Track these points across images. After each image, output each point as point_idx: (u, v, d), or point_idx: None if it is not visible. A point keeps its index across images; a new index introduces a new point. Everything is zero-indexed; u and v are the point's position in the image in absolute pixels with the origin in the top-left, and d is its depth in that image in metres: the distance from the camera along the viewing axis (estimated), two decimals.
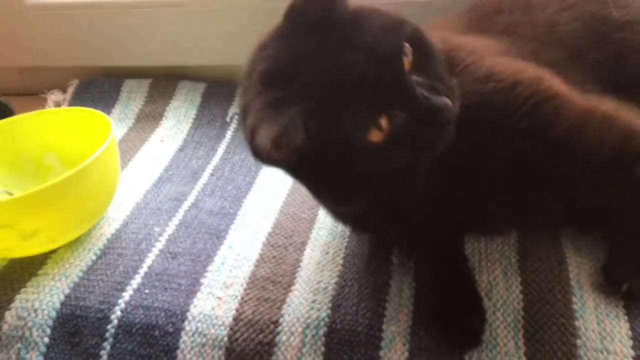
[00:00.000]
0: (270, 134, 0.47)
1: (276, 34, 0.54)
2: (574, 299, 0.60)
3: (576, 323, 0.58)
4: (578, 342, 0.56)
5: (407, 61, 0.51)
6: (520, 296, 0.60)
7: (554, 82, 0.60)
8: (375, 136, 0.50)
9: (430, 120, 0.51)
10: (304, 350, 0.58)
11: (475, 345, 0.56)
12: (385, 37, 0.51)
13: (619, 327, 0.58)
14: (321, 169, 0.52)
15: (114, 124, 0.73)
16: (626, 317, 0.58)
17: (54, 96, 1.05)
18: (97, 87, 1.04)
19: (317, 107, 0.49)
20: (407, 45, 0.51)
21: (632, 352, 0.56)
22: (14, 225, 0.62)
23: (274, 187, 0.81)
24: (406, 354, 0.57)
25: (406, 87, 0.50)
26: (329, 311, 0.61)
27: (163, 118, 0.98)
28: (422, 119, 0.50)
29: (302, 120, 0.48)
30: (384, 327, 0.59)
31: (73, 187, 0.65)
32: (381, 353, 0.58)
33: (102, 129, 0.74)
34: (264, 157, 0.48)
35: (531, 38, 0.67)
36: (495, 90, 0.57)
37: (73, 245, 0.71)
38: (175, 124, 0.97)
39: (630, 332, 0.57)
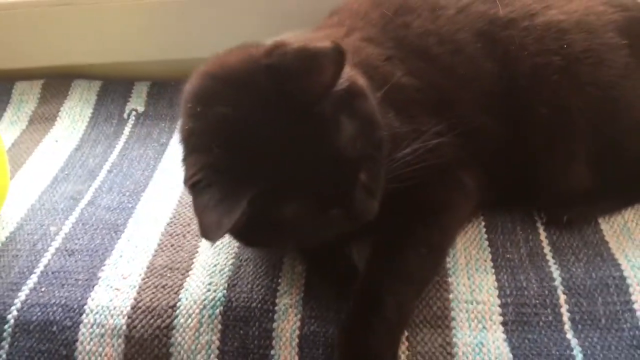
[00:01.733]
0: (216, 221, 0.48)
1: (251, 76, 0.53)
2: (447, 259, 0.66)
3: (449, 279, 0.64)
4: (450, 296, 0.63)
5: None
6: None
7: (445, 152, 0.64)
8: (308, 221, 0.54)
9: (357, 217, 0.55)
10: (201, 330, 0.61)
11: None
12: (356, 143, 0.53)
13: (487, 279, 0.64)
14: (250, 232, 0.55)
15: None
16: (493, 270, 0.65)
17: None
18: None
19: (266, 194, 0.50)
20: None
21: (498, 301, 0.63)
22: None
23: (174, 179, 0.83)
24: (298, 323, 0.61)
25: (353, 195, 0.54)
26: (224, 291, 0.64)
27: (57, 118, 0.97)
28: (353, 217, 0.55)
29: (246, 206, 0.49)
30: (277, 300, 0.63)
31: None
32: (274, 325, 0.61)
33: None
34: (209, 237, 0.51)
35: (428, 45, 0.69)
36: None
37: None
38: (71, 124, 0.96)
39: (496, 283, 0.64)
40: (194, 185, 0.51)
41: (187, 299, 0.63)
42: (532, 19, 0.68)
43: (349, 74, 0.55)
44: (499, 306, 0.62)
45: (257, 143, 0.51)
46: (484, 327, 0.61)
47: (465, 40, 0.68)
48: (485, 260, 0.66)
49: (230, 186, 0.50)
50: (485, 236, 0.69)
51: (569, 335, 0.60)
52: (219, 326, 0.61)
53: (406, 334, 0.60)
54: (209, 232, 0.49)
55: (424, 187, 0.60)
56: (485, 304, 0.62)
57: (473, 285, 0.64)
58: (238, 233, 0.58)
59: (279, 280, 0.65)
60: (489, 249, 0.68)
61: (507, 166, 0.67)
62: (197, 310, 0.62)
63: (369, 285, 0.59)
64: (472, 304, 0.62)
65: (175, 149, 0.90)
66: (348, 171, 0.53)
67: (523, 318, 0.61)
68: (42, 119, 0.98)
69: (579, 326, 0.60)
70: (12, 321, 0.62)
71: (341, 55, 0.50)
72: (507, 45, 0.67)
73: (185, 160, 0.56)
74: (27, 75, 1.04)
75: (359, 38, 0.67)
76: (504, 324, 0.61)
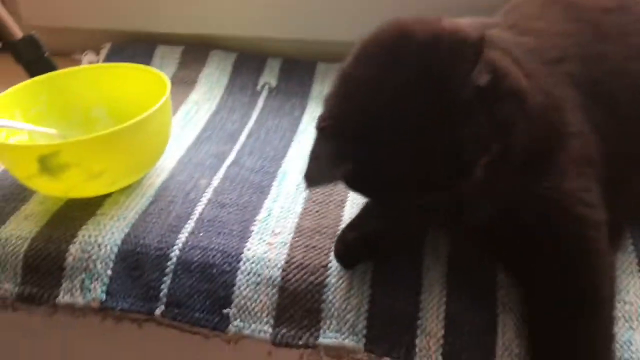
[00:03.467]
0: (316, 173, 0.54)
1: (414, 73, 0.51)
2: None
3: None
4: None
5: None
6: None
7: (604, 234, 0.58)
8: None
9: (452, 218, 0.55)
10: (351, 292, 0.64)
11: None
12: (481, 142, 0.51)
13: (634, 281, 0.65)
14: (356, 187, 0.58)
15: (168, 81, 0.77)
16: (639, 274, 0.66)
17: (88, 57, 1.08)
18: (130, 51, 1.08)
19: (373, 163, 0.52)
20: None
21: None
22: (83, 164, 0.66)
23: (309, 150, 0.86)
24: (444, 299, 0.63)
25: (450, 188, 0.52)
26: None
27: (196, 84, 1.03)
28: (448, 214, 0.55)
29: (350, 168, 0.52)
30: (423, 274, 0.65)
31: (136, 133, 0.69)
32: (422, 297, 0.63)
33: (152, 85, 0.78)
34: (306, 183, 0.55)
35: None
36: (550, 207, 0.57)
37: (126, 191, 0.75)
38: (209, 90, 1.01)
39: None
40: (319, 129, 0.55)
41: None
42: None
43: (504, 68, 0.53)
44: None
45: (388, 113, 0.52)
46: (630, 327, 0.61)
47: None
48: (631, 264, 0.67)
49: (346, 144, 0.52)
50: (631, 240, 0.69)
51: None
52: (369, 291, 0.64)
53: None
54: (307, 179, 0.54)
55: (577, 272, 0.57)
56: (632, 305, 0.63)
57: (620, 285, 0.64)
58: (345, 183, 0.59)
59: (423, 258, 0.67)
60: (635, 253, 0.68)
61: None
62: (349, 273, 0.65)
63: None
64: (619, 303, 0.63)
65: (307, 124, 0.94)
66: (460, 168, 0.51)
67: None
68: (182, 83, 1.03)
69: None
70: (174, 259, 0.67)
71: (481, 42, 0.49)
72: None
73: (325, 101, 0.59)
74: (166, 40, 1.10)
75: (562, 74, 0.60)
76: None
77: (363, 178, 0.55)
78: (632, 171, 0.62)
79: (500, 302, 0.63)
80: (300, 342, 0.62)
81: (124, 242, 0.68)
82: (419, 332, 0.61)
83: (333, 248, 0.66)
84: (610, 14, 0.64)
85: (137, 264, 0.66)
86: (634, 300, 0.63)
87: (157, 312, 0.64)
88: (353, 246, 0.65)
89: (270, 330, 0.63)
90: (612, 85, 0.60)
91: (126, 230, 0.69)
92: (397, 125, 0.51)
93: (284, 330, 0.63)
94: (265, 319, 0.63)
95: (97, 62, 1.07)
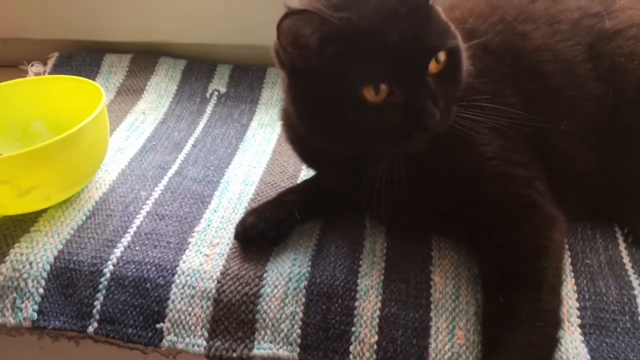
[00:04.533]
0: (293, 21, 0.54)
1: None
2: None
3: None
4: None
5: (434, 65, 0.57)
6: None
7: (538, 187, 0.64)
8: (368, 94, 0.55)
9: (414, 119, 0.56)
10: (286, 300, 0.64)
11: None
12: (435, 34, 0.57)
13: (566, 283, 0.65)
14: (313, 92, 0.58)
15: (104, 92, 0.76)
16: (572, 274, 0.66)
17: (35, 68, 1.06)
18: (78, 60, 1.07)
19: (347, 33, 0.54)
20: (443, 53, 0.57)
21: (577, 304, 0.64)
22: (11, 181, 0.65)
23: (255, 158, 0.86)
24: (379, 304, 0.63)
25: (418, 80, 0.56)
26: (309, 268, 0.66)
27: (144, 92, 1.02)
28: (410, 113, 0.56)
29: (325, 33, 0.54)
30: (358, 281, 0.65)
31: (68, 147, 0.68)
32: (356, 303, 0.63)
33: (90, 97, 0.77)
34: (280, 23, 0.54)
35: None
36: (481, 168, 0.63)
37: (63, 206, 0.74)
38: (157, 98, 1.01)
39: (575, 287, 0.65)
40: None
41: (273, 271, 0.66)
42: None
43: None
44: (577, 309, 0.63)
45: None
46: (561, 328, 0.62)
47: (576, 58, 0.66)
48: (565, 264, 0.67)
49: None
50: (566, 240, 0.70)
51: None
52: (303, 299, 0.64)
53: (468, 325, 0.62)
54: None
55: (518, 227, 0.62)
56: (564, 306, 0.63)
57: None
58: (301, 88, 0.59)
59: (360, 262, 0.67)
60: (569, 253, 0.69)
61: (597, 188, 0.68)
62: (283, 282, 0.65)
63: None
64: None
65: (255, 131, 0.94)
66: (421, 52, 0.55)
67: (601, 322, 0.62)
68: (130, 91, 1.02)
69: None
70: (108, 275, 0.66)
71: None
72: (614, 58, 0.66)
73: None
74: (115, 48, 1.09)
75: (479, 46, 0.65)
76: (581, 326, 0.62)
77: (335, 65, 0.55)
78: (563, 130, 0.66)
79: (434, 305, 0.63)
80: (235, 355, 0.62)
81: (56, 259, 0.67)
82: (352, 339, 0.62)
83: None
84: (537, 3, 0.71)
85: (69, 281, 0.66)
86: (565, 301, 0.63)
87: (90, 329, 0.64)
88: (251, 230, 0.68)
89: (204, 343, 0.63)
90: (538, 59, 0.67)
91: (60, 247, 0.68)
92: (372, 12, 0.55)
93: (218, 343, 0.63)
94: (199, 332, 0.63)
95: (44, 72, 1.06)
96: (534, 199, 0.64)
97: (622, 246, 0.70)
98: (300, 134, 0.66)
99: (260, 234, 0.68)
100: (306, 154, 0.72)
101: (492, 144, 0.63)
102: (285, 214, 0.70)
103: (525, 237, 0.62)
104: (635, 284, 0.65)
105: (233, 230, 0.71)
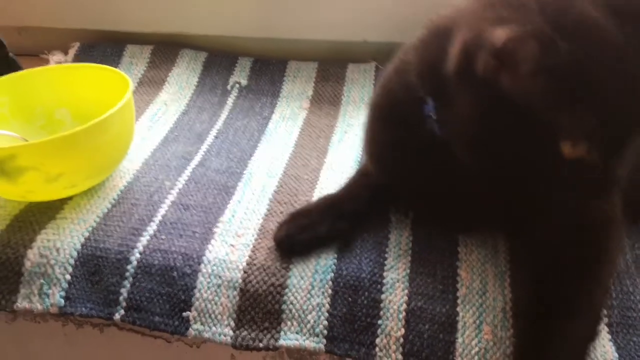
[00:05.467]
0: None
1: None
2: None
3: None
4: None
5: None
6: None
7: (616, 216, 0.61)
8: (565, 147, 0.49)
9: (592, 186, 0.51)
10: (312, 292, 0.64)
11: None
12: None
13: None
14: (504, 115, 0.50)
15: (130, 82, 0.76)
16: None
17: (56, 57, 1.06)
18: (99, 51, 1.07)
19: (568, 69, 0.45)
20: None
21: None
22: (40, 167, 0.65)
23: (277, 151, 0.86)
24: (405, 298, 0.63)
25: (622, 150, 0.49)
26: (335, 260, 0.66)
27: (165, 83, 1.02)
28: (589, 178, 0.50)
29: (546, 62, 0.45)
30: (384, 274, 0.65)
31: (96, 135, 0.68)
32: (382, 296, 0.63)
33: (115, 86, 0.77)
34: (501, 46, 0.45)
35: None
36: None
37: (88, 194, 0.74)
38: (178, 90, 1.01)
39: None
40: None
41: (299, 262, 0.66)
42: None
43: None
44: (605, 308, 0.63)
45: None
46: None
47: None
48: None
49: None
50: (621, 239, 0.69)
51: None
52: (330, 291, 0.64)
53: (512, 321, 0.61)
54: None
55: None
56: None
57: None
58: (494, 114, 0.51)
59: (386, 255, 0.67)
60: None
61: None
62: (310, 274, 0.65)
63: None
64: None
65: (277, 124, 0.94)
66: None
67: (628, 321, 0.62)
68: (151, 82, 1.02)
69: None
70: (134, 263, 0.66)
71: None
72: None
73: None
74: (136, 39, 1.09)
75: None
76: (609, 325, 0.62)
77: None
78: None
79: (461, 300, 0.63)
80: (261, 345, 0.62)
81: (83, 246, 0.67)
82: (379, 331, 0.62)
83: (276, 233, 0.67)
84: None
85: (96, 268, 0.66)
86: None
87: (117, 316, 0.64)
88: (298, 246, 0.66)
89: (230, 333, 0.63)
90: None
91: (86, 234, 0.68)
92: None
93: (244, 333, 0.63)
94: (225, 322, 0.63)
95: (65, 62, 1.06)
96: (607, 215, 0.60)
97: None
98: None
99: (306, 248, 0.66)
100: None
101: None
102: (332, 237, 0.66)
103: (588, 230, 0.59)
104: None
105: (258, 222, 0.71)
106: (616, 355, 0.59)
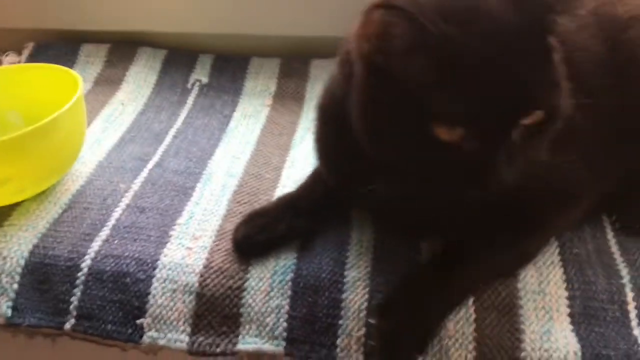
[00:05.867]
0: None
1: None
2: None
3: None
4: (519, 285, 0.63)
5: (526, 120, 0.48)
6: None
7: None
8: (439, 128, 0.48)
9: (477, 175, 0.49)
10: (271, 294, 0.62)
11: None
12: (544, 86, 0.48)
13: (554, 272, 0.64)
14: (386, 97, 0.50)
15: (81, 81, 0.74)
16: (560, 264, 0.65)
17: (10, 58, 1.03)
18: (54, 50, 1.03)
19: (442, 51, 0.46)
20: (543, 112, 0.49)
21: (565, 293, 0.63)
22: None
23: (238, 149, 0.84)
24: (366, 296, 0.62)
25: (503, 134, 0.48)
26: (295, 260, 0.64)
27: (123, 82, 0.99)
28: (477, 168, 0.49)
29: (419, 40, 0.46)
30: (345, 273, 0.64)
31: (43, 137, 0.66)
32: (343, 296, 0.62)
33: (67, 86, 0.74)
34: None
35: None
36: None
37: (38, 199, 0.71)
38: (136, 89, 0.98)
39: (564, 277, 0.64)
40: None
41: (258, 264, 0.64)
42: None
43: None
44: (566, 298, 0.62)
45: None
46: (550, 318, 0.61)
47: (600, 55, 0.62)
48: (553, 254, 0.66)
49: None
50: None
51: (636, 331, 0.60)
52: (289, 292, 0.62)
53: (474, 316, 0.60)
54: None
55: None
56: (553, 296, 0.62)
57: (541, 277, 0.64)
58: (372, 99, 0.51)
59: (347, 254, 0.66)
60: (557, 243, 0.68)
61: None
62: (269, 275, 0.63)
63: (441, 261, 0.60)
64: (539, 294, 0.62)
65: (238, 122, 0.92)
66: (519, 107, 0.48)
67: (590, 311, 0.61)
68: (108, 82, 0.99)
69: None
70: (85, 270, 0.64)
71: None
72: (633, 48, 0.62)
73: None
74: (94, 38, 1.06)
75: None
76: (571, 315, 0.61)
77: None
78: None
79: None
80: (219, 350, 0.60)
81: (31, 253, 0.64)
82: (340, 332, 0.60)
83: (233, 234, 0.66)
84: None
85: (45, 277, 0.63)
86: (554, 291, 0.63)
87: (67, 326, 0.61)
88: (257, 247, 0.64)
89: (187, 339, 0.61)
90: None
91: (35, 241, 0.66)
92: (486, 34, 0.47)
93: (201, 338, 0.61)
94: (181, 328, 0.61)
95: (19, 62, 1.02)
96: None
97: (609, 235, 0.69)
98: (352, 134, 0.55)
99: (266, 248, 0.65)
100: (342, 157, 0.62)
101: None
102: (290, 236, 0.65)
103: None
104: (623, 272, 0.65)
105: (216, 223, 0.69)
106: (578, 345, 0.58)
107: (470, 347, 0.58)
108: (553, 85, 0.50)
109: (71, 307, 0.62)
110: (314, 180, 0.70)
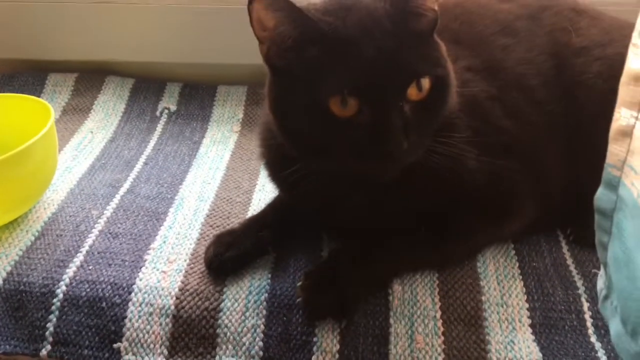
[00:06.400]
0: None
1: None
2: (478, 264, 0.70)
3: (481, 283, 0.68)
4: (483, 298, 0.66)
5: (415, 92, 0.55)
6: None
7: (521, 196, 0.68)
8: (334, 106, 0.54)
9: (377, 144, 0.54)
10: (247, 314, 0.63)
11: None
12: (421, 59, 0.55)
13: (515, 285, 0.68)
14: (290, 95, 0.57)
15: (53, 110, 0.75)
16: (520, 277, 0.69)
17: None
18: (21, 80, 1.04)
19: (327, 38, 0.54)
20: (427, 81, 0.55)
21: (526, 305, 0.66)
22: None
23: (209, 174, 0.86)
24: None
25: (391, 103, 0.54)
26: (269, 280, 0.66)
27: (91, 111, 1.00)
28: (375, 137, 0.54)
29: (306, 33, 0.54)
30: None
31: (15, 166, 0.66)
32: None
33: (37, 115, 0.75)
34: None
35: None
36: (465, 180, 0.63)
37: (9, 227, 0.71)
38: (104, 117, 0.99)
39: (524, 289, 0.68)
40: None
41: (232, 285, 0.66)
42: (604, 49, 0.69)
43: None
44: (527, 309, 0.66)
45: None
46: (513, 328, 0.64)
47: (550, 72, 0.69)
48: (513, 268, 0.70)
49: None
50: (512, 245, 0.73)
51: (593, 339, 0.64)
52: (264, 312, 0.64)
53: (442, 329, 0.63)
54: None
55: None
56: (515, 307, 0.66)
57: (503, 289, 0.68)
58: (278, 81, 0.59)
59: None
60: (516, 257, 0.72)
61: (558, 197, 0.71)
62: (244, 296, 0.65)
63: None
64: (502, 306, 0.66)
65: (208, 148, 0.93)
66: (400, 76, 0.54)
67: (550, 321, 0.65)
68: (76, 111, 1.00)
69: (602, 331, 0.64)
70: (60, 295, 0.64)
71: None
72: (580, 73, 0.68)
73: None
74: (61, 67, 1.07)
75: (464, 67, 0.66)
76: (532, 325, 0.65)
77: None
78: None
79: (393, 312, 0.64)
80: None
81: (5, 281, 0.64)
82: (315, 348, 0.62)
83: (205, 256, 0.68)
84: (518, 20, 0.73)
85: (20, 304, 0.63)
86: (515, 303, 0.66)
87: (43, 352, 0.61)
88: (228, 263, 0.66)
89: None
90: (522, 72, 0.69)
91: (8, 268, 0.66)
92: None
93: None
94: (158, 350, 0.62)
95: None
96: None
97: (565, 249, 0.74)
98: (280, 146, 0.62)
99: (236, 264, 0.67)
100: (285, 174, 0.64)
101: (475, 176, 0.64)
102: (259, 249, 0.69)
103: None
104: (579, 284, 0.69)
105: (190, 246, 0.71)
106: (540, 355, 0.62)
107: (440, 358, 0.61)
108: (433, 57, 0.57)
109: (47, 333, 0.62)
110: (279, 198, 0.73)
